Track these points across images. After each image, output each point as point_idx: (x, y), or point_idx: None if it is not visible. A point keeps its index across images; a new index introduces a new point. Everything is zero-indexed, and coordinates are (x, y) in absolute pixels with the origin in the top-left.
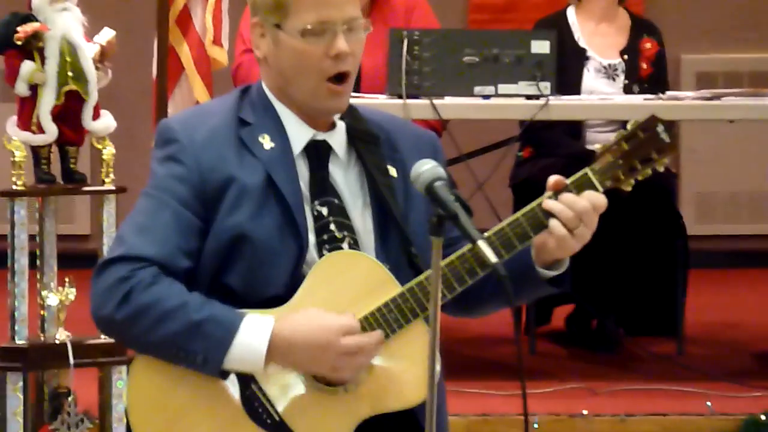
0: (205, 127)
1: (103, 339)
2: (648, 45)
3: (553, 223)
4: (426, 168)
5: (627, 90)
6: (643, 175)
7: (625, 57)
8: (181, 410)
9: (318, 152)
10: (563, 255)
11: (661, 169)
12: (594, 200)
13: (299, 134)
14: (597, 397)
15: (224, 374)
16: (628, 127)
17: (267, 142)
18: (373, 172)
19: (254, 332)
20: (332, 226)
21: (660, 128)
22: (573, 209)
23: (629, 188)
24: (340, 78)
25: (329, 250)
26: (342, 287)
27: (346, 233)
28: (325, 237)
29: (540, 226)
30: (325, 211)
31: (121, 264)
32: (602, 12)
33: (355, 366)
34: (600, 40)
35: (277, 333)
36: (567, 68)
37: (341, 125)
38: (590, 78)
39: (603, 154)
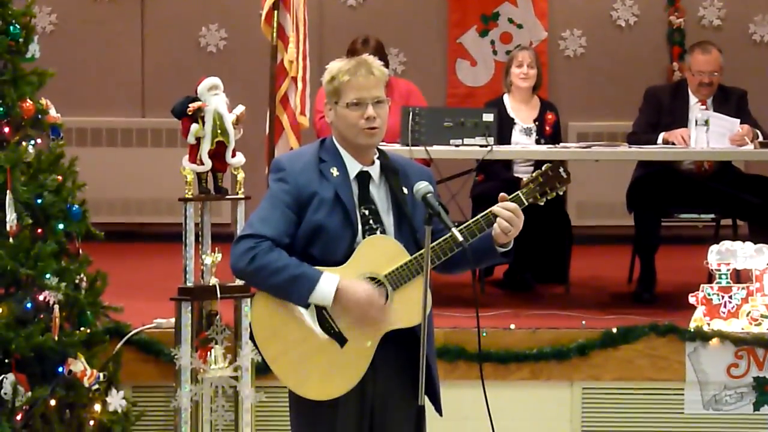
0: (301, 162)
1: (237, 282)
2: (550, 116)
3: (499, 220)
4: (421, 186)
5: (537, 142)
6: (551, 196)
7: (536, 123)
8: (281, 326)
9: (363, 178)
10: (509, 239)
11: (561, 193)
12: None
13: (353, 167)
14: (519, 318)
15: (307, 306)
16: (543, 168)
17: (335, 172)
18: (395, 191)
19: (327, 284)
20: (371, 221)
21: (561, 169)
22: (509, 210)
23: (542, 203)
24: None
25: (369, 235)
26: (376, 256)
27: (378, 226)
28: (367, 228)
29: (491, 223)
30: (367, 213)
31: (250, 238)
32: (522, 97)
33: (367, 319)
34: (522, 113)
35: (341, 287)
36: (503, 129)
37: (377, 162)
38: (516, 134)
39: (527, 184)
